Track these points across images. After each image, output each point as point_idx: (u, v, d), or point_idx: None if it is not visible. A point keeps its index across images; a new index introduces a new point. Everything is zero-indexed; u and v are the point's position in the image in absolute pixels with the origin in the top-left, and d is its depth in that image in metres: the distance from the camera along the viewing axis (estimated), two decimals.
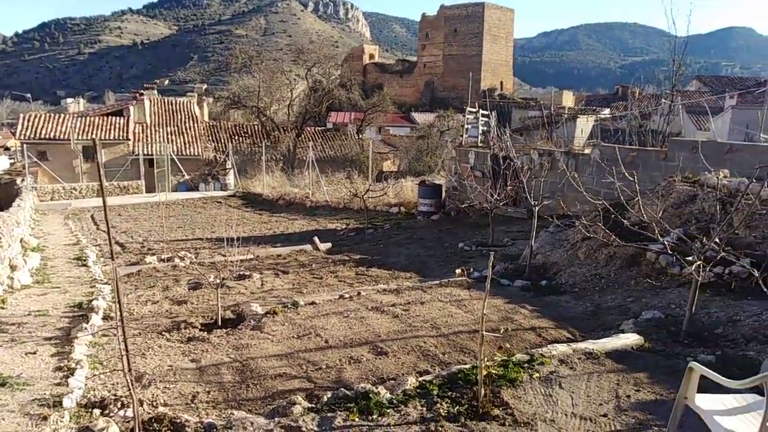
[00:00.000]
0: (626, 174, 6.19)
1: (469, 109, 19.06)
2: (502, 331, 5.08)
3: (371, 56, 79.45)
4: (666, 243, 5.90)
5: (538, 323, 6.07)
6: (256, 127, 36.90)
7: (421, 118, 49.23)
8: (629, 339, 5.23)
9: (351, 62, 71.30)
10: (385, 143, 40.33)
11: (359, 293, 7.32)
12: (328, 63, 40.64)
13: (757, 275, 5.39)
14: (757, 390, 3.10)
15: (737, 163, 9.72)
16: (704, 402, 3.17)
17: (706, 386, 3.39)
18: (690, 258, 5.48)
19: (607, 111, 29.43)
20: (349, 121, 42.31)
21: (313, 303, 6.90)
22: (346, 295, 7.21)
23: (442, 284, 7.83)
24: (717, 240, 5.49)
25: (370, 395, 4.10)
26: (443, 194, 16.64)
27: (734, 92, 23.10)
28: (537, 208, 8.60)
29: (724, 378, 3.07)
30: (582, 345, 4.99)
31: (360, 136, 38.07)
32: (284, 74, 39.72)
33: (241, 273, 8.85)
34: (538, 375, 4.40)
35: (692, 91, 31.03)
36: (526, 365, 4.53)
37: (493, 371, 4.38)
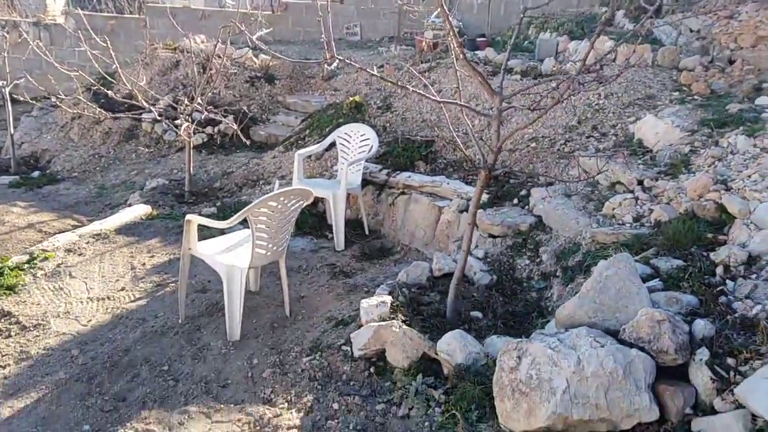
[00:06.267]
0: (108, 44, 5.79)
1: None
2: None
3: None
4: (156, 111, 5.95)
5: (36, 218, 5.41)
6: None
7: None
8: (137, 211, 5.25)
9: None
10: None
11: None
12: None
13: (236, 128, 6.11)
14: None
15: (211, 28, 10.36)
16: (205, 248, 3.49)
17: (213, 234, 3.75)
18: (179, 121, 5.72)
19: None
20: None
21: None
22: None
23: None
24: (200, 101, 5.85)
25: None
26: None
27: None
28: (8, 90, 7.29)
29: (215, 221, 3.42)
30: (88, 228, 4.73)
31: None
32: None
33: None
34: (43, 272, 3.98)
35: None
36: (26, 266, 4.02)
37: None
